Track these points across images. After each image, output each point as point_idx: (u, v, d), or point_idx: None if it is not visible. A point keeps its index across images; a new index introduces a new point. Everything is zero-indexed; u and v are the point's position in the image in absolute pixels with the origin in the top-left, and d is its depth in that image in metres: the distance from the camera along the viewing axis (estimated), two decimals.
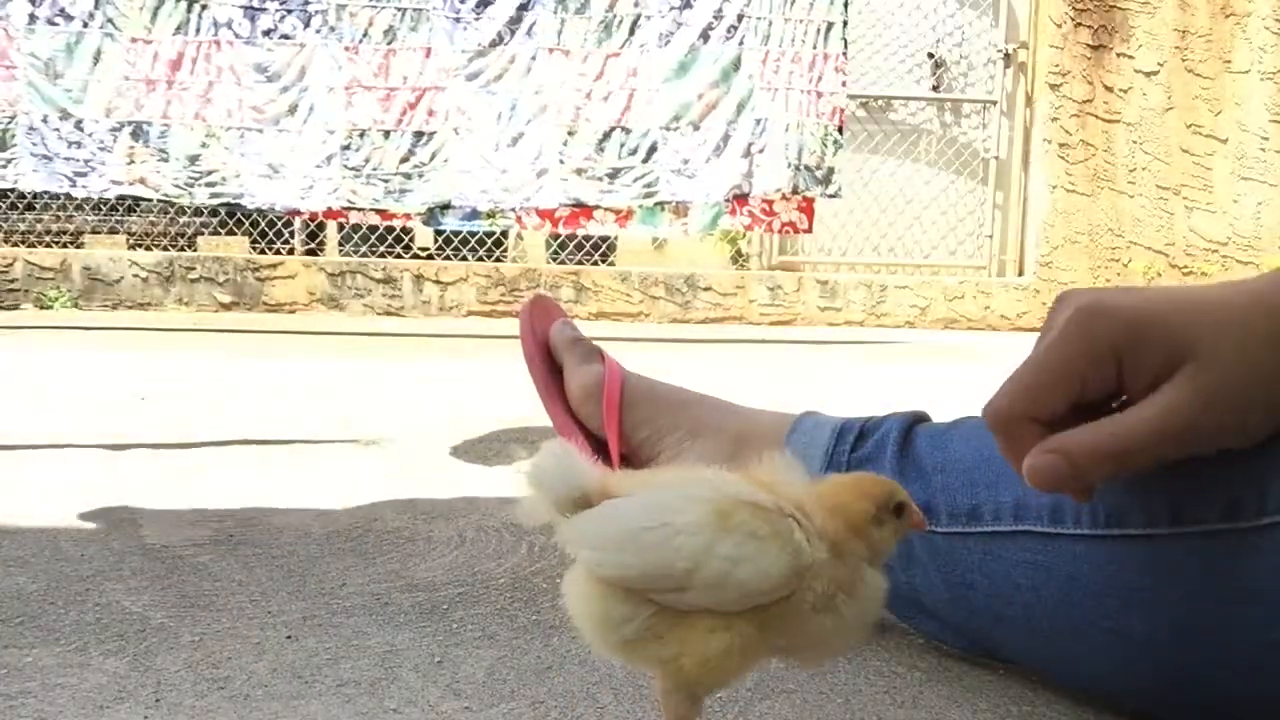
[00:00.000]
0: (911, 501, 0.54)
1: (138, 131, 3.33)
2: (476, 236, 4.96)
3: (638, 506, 0.50)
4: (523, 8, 3.43)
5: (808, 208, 3.69)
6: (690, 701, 0.51)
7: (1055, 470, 0.54)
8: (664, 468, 0.54)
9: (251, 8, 3.35)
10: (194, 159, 3.36)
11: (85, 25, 3.29)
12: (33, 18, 3.26)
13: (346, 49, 3.40)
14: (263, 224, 4.91)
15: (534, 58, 3.45)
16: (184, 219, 5.14)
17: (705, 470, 0.53)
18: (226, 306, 4.59)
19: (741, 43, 3.51)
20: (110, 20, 3.29)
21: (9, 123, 3.25)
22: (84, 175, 3.30)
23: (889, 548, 0.53)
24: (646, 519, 0.49)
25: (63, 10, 3.27)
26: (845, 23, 3.54)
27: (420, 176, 3.43)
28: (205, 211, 4.93)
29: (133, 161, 3.33)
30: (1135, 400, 0.54)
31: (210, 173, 3.37)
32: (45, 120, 3.27)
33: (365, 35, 3.41)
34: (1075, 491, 0.56)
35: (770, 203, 3.65)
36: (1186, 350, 0.53)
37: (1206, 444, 0.54)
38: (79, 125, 3.29)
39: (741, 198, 3.56)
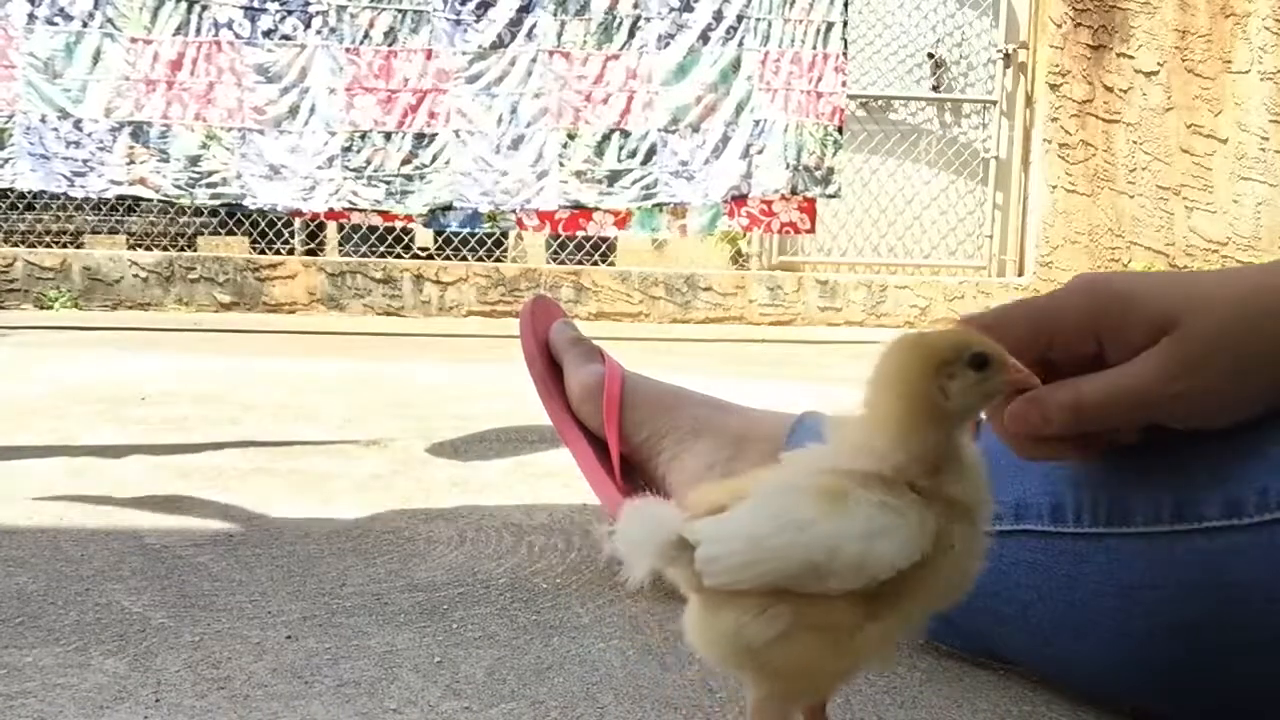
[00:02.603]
0: (999, 350, 0.48)
1: (138, 132, 3.33)
2: (476, 237, 4.96)
3: (755, 515, 0.48)
4: (523, 10, 3.43)
5: (809, 208, 3.69)
6: (783, 715, 0.50)
7: (1026, 416, 0.56)
8: (743, 476, 0.53)
9: (252, 8, 3.35)
10: (194, 160, 3.36)
11: (85, 25, 3.29)
12: (32, 17, 3.26)
13: (347, 50, 3.40)
14: (263, 224, 4.91)
15: (534, 60, 3.45)
16: (184, 219, 5.14)
17: (794, 459, 0.51)
18: (226, 306, 4.59)
19: (741, 44, 3.51)
20: (110, 20, 3.29)
21: (6, 122, 3.26)
22: (82, 175, 3.30)
23: (976, 403, 0.49)
24: (768, 525, 0.47)
25: (62, 10, 3.27)
26: (845, 23, 3.54)
27: (421, 178, 3.44)
28: (205, 211, 4.93)
29: (132, 162, 3.33)
30: (1114, 365, 0.56)
31: (211, 173, 3.37)
32: (44, 120, 3.27)
33: (366, 37, 3.41)
34: (1049, 448, 0.58)
35: (769, 203, 3.65)
36: (1170, 322, 0.54)
37: (1175, 416, 0.56)
38: (78, 125, 3.29)
39: (740, 199, 3.56)
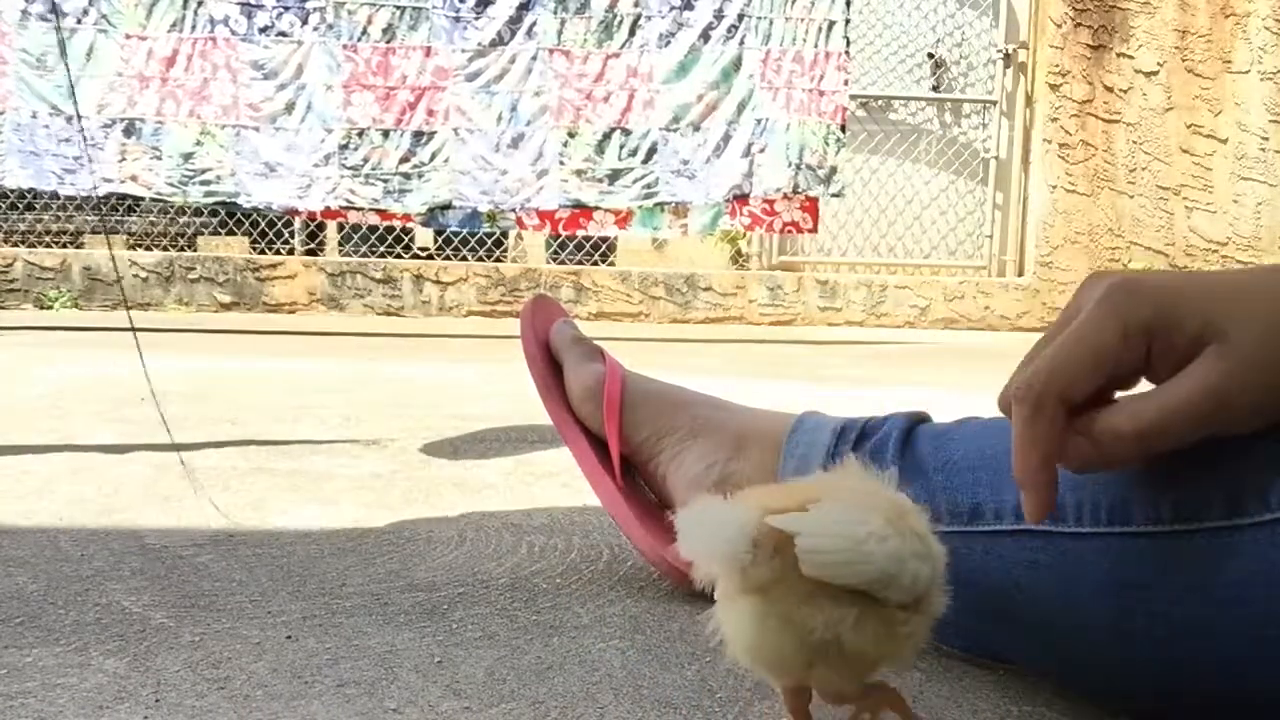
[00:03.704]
0: None
1: (130, 128, 3.32)
2: (476, 237, 4.96)
3: (849, 518, 0.52)
4: (523, 8, 3.43)
5: (811, 207, 3.68)
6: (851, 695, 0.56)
7: (1081, 453, 0.55)
8: (811, 479, 0.58)
9: (249, 5, 3.34)
10: (188, 157, 3.35)
11: (79, 21, 3.28)
12: (25, 13, 3.25)
13: (345, 47, 3.40)
14: (263, 224, 4.91)
15: (534, 58, 3.44)
16: (184, 219, 5.14)
17: (839, 478, 0.57)
18: (226, 306, 4.59)
19: (742, 43, 3.50)
20: (105, 16, 3.28)
21: None
22: (73, 173, 3.29)
23: None
24: (861, 530, 0.52)
25: (57, 6, 3.26)
26: (847, 21, 3.53)
27: (420, 177, 3.43)
28: (205, 211, 4.93)
29: (124, 159, 3.32)
30: (1159, 381, 0.55)
31: (205, 171, 3.36)
32: (34, 116, 3.26)
33: (364, 34, 3.40)
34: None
35: (771, 203, 3.65)
36: (1216, 331, 0.52)
37: (1229, 426, 0.55)
38: (69, 122, 3.28)
39: (742, 198, 3.56)
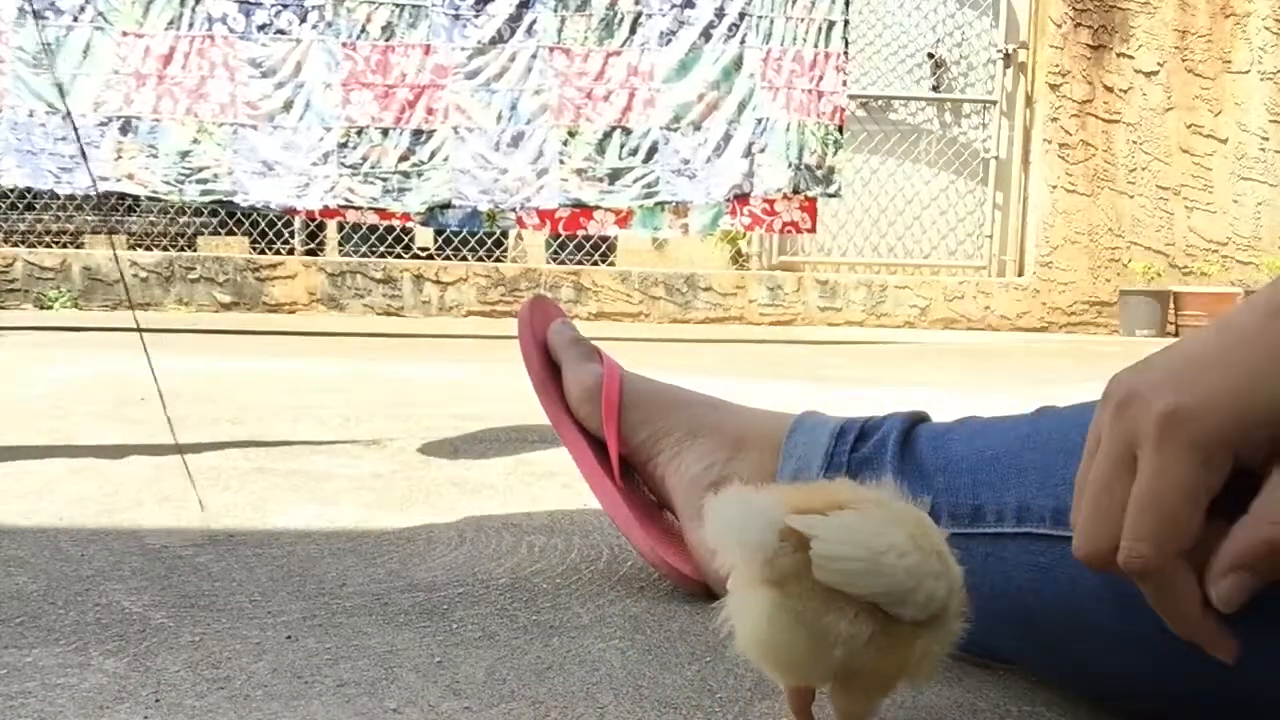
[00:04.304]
0: None
1: (127, 127, 3.31)
2: (476, 236, 4.96)
3: (871, 527, 0.52)
4: (523, 5, 3.43)
5: (810, 207, 3.69)
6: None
7: (1241, 588, 0.51)
8: (831, 486, 0.58)
9: (247, 2, 3.34)
10: (185, 155, 3.34)
11: (75, 19, 3.27)
12: (21, 11, 3.24)
13: (344, 45, 3.39)
14: (263, 224, 4.91)
15: (534, 56, 3.44)
16: (184, 219, 5.15)
17: (860, 490, 0.57)
18: (226, 306, 4.59)
19: (743, 42, 3.50)
20: (101, 14, 3.27)
21: None
22: (70, 171, 3.28)
23: None
24: (881, 542, 0.52)
25: (53, 4, 3.25)
26: (846, 22, 3.53)
27: (419, 176, 3.43)
28: (205, 211, 4.93)
29: (120, 157, 3.31)
30: (1263, 471, 0.51)
31: (202, 169, 3.35)
32: (31, 115, 3.25)
33: (363, 32, 3.40)
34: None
35: (771, 203, 3.65)
36: None
37: None
38: (65, 119, 3.27)
39: (742, 198, 3.56)
